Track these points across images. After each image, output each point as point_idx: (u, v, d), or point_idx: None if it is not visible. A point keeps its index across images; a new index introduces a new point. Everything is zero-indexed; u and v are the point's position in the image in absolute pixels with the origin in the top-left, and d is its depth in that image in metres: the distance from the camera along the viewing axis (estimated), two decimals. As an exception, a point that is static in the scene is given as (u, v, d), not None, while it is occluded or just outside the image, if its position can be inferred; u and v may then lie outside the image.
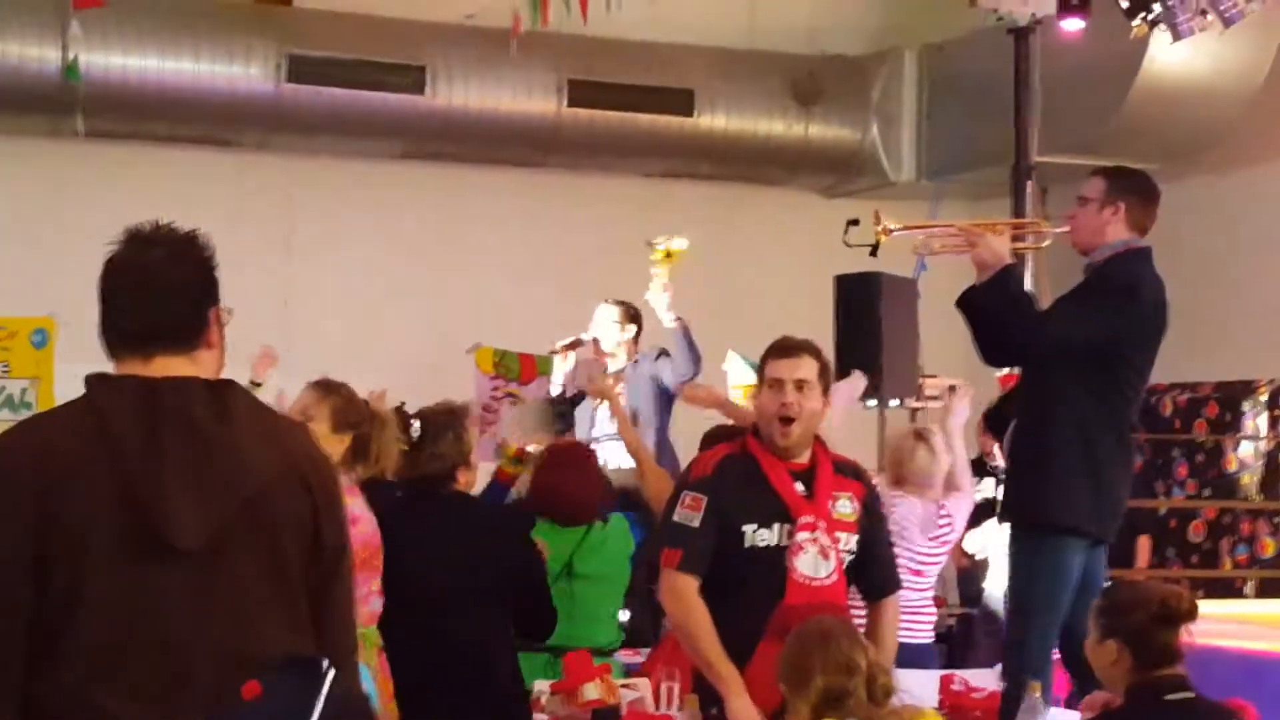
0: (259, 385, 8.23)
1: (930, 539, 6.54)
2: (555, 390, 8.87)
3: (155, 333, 2.78)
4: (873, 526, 5.01)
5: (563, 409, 8.45)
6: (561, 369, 8.84)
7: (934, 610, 6.79)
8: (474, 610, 5.33)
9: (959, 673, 5.92)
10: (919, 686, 5.13)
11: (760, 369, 5.00)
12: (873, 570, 5.04)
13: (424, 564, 5.25)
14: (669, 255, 8.50)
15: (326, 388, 5.17)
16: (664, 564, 4.86)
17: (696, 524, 4.81)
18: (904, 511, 6.42)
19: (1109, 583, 5.62)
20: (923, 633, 6.53)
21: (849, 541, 4.88)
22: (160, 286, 2.78)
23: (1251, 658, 6.47)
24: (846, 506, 4.91)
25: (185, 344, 2.80)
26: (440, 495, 5.46)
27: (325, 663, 2.60)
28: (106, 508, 2.64)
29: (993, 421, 8.04)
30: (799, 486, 4.87)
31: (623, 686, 5.39)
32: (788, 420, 4.84)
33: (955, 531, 6.77)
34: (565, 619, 5.72)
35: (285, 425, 2.95)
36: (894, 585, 5.16)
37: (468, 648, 5.30)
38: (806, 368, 4.90)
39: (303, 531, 2.79)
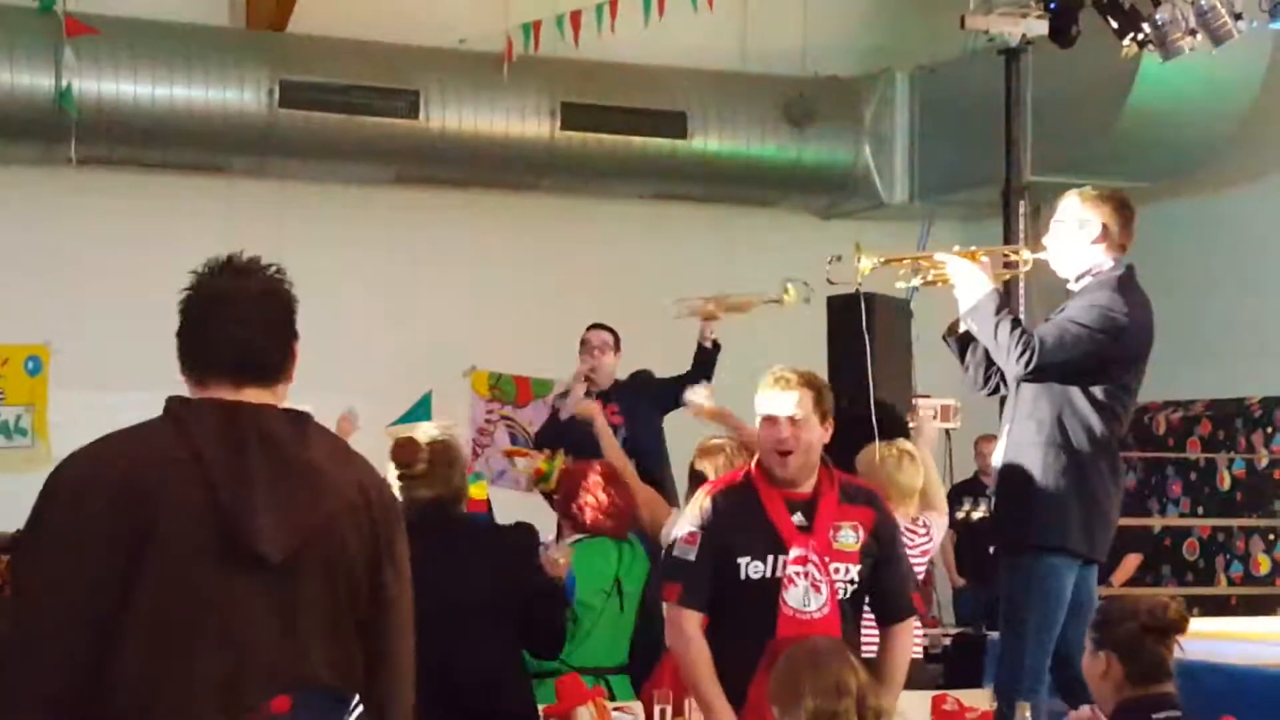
0: None
1: (908, 549, 6.54)
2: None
3: (247, 366, 2.84)
4: (883, 553, 4.98)
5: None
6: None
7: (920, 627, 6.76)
8: (482, 631, 5.15)
9: (951, 692, 5.92)
10: (912, 707, 5.13)
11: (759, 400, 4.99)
12: (881, 597, 5.03)
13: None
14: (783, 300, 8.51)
15: None
16: (666, 598, 4.95)
17: (693, 558, 4.85)
18: None
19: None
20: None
21: (849, 572, 4.86)
22: (257, 321, 2.86)
23: (1238, 670, 6.50)
24: (849, 536, 4.87)
25: (272, 378, 2.86)
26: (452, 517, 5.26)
27: (355, 699, 2.63)
28: (194, 513, 2.69)
29: None
30: (797, 517, 4.85)
31: (615, 710, 5.40)
32: (785, 453, 4.86)
33: (933, 543, 6.80)
34: (620, 638, 5.87)
35: (357, 456, 2.97)
36: (905, 612, 5.12)
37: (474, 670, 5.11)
38: (799, 402, 4.87)
39: (364, 566, 2.82)
